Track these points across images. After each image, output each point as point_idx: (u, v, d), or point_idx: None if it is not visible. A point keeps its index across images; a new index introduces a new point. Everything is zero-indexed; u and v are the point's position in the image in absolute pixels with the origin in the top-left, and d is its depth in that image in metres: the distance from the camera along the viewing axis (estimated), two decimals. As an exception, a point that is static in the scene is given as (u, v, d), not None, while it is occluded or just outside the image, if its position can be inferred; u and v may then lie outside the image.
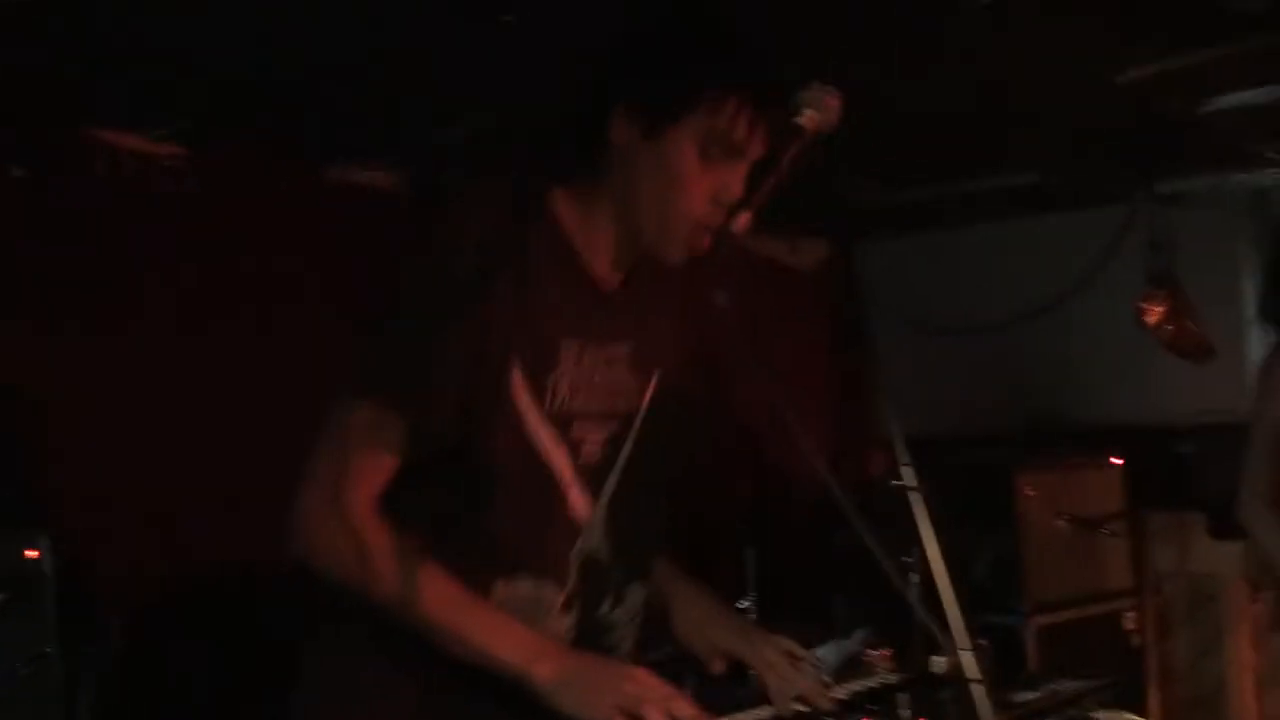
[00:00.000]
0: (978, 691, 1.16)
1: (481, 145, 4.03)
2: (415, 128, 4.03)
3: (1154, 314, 5.42)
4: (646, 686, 1.63)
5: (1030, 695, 1.61)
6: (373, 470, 1.70)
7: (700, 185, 1.68)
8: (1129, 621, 5.48)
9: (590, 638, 1.83)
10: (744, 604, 3.92)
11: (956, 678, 1.18)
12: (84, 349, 3.56)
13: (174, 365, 3.85)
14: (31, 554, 2.96)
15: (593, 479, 1.82)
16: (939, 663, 1.46)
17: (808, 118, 1.59)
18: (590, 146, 1.75)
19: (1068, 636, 5.21)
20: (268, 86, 3.40)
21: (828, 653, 3.41)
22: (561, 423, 1.76)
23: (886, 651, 3.51)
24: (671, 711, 1.58)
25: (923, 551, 1.27)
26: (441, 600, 1.68)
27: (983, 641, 4.04)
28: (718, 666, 1.86)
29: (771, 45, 1.76)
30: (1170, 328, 5.40)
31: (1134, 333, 5.44)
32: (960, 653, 1.18)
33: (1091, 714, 1.63)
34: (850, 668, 3.40)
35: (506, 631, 1.70)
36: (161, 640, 3.06)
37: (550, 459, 1.76)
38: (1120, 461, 5.50)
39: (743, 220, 1.53)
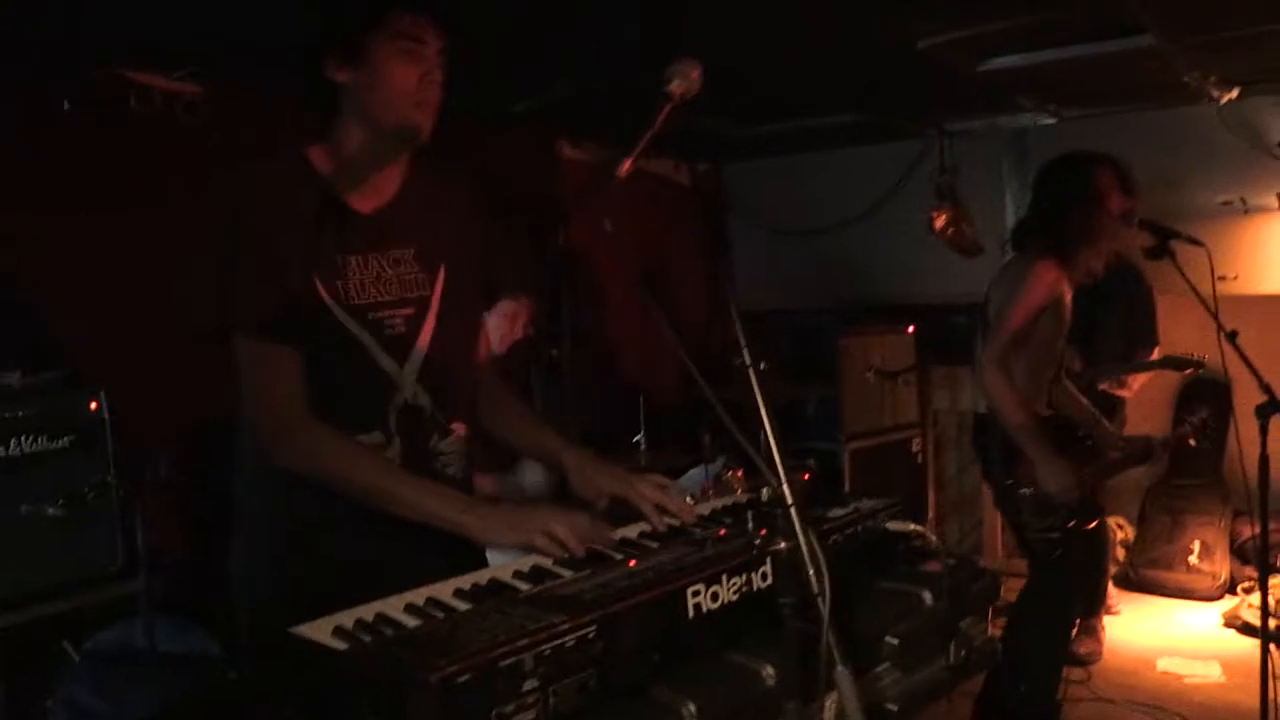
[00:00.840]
0: (793, 512, 1.20)
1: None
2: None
3: (940, 221, 5.53)
4: (556, 512, 1.67)
5: (839, 510, 1.65)
6: (295, 383, 1.75)
7: (409, 73, 1.75)
8: (915, 445, 5.69)
9: (420, 463, 1.85)
10: (637, 438, 3.97)
11: (779, 501, 1.22)
12: (126, 248, 3.43)
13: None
14: (93, 405, 2.91)
15: (398, 348, 1.83)
16: (765, 490, 1.49)
17: (675, 85, 1.58)
18: (324, 97, 1.79)
19: (873, 456, 5.42)
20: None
21: (699, 472, 3.47)
22: (360, 311, 1.79)
23: (739, 471, 3.61)
24: (574, 526, 1.62)
25: (756, 410, 1.30)
26: (382, 474, 1.74)
27: (810, 461, 4.15)
28: (600, 504, 1.87)
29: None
30: (951, 231, 5.52)
31: (924, 235, 5.54)
32: (782, 484, 1.22)
33: (885, 525, 1.68)
34: (715, 483, 3.50)
35: (437, 493, 1.75)
36: (198, 469, 3.01)
37: (358, 337, 1.78)
38: (913, 329, 5.66)
39: (625, 166, 1.50)
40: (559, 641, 1.20)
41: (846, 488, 5.21)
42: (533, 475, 3.56)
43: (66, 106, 3.27)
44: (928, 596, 1.63)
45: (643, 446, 3.91)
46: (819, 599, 1.21)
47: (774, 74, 4.09)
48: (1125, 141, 5.02)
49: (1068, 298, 3.31)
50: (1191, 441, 3.91)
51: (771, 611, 1.38)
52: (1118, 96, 4.73)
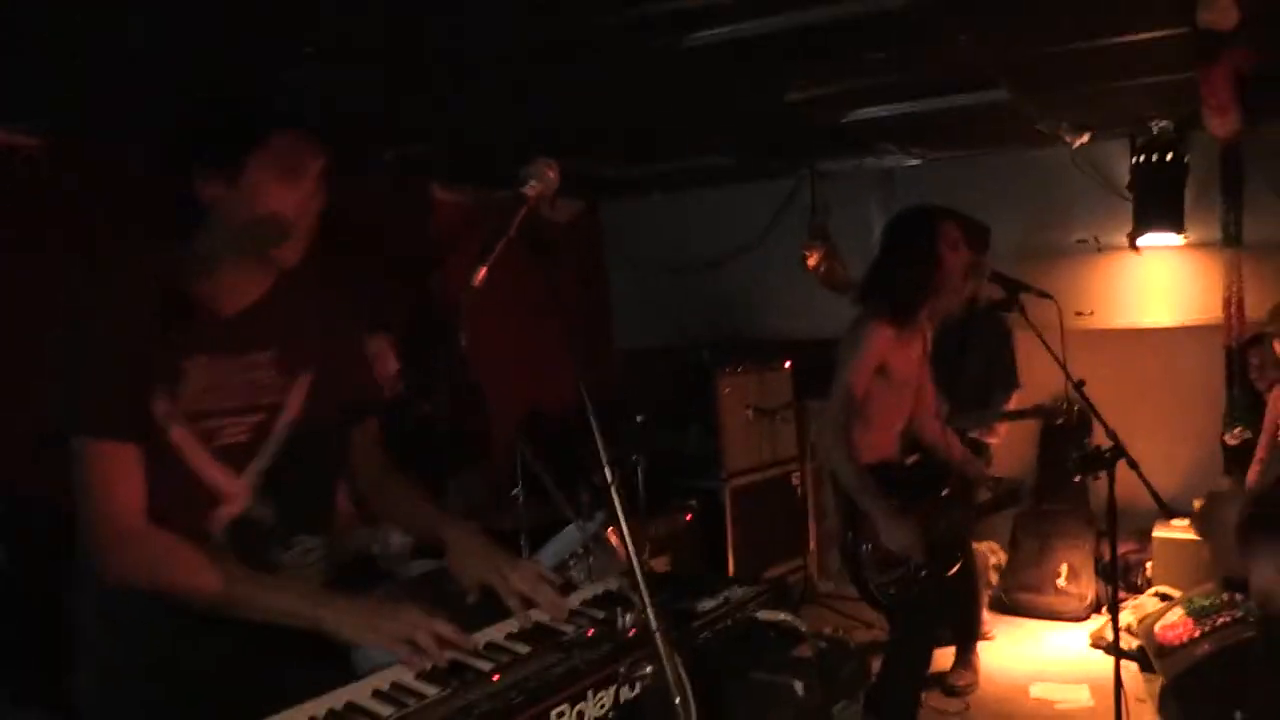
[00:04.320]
0: (658, 639, 1.18)
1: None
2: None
3: (813, 258, 5.65)
4: (412, 616, 1.57)
5: (709, 603, 1.64)
6: (132, 488, 1.63)
7: (285, 200, 1.65)
8: (795, 479, 5.77)
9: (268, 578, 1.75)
10: (515, 490, 3.91)
11: (646, 631, 1.19)
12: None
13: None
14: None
15: (235, 457, 1.73)
16: (628, 618, 1.46)
17: (531, 187, 1.51)
18: (187, 212, 1.68)
19: (754, 493, 5.46)
20: None
21: (575, 530, 3.42)
22: (193, 417, 1.68)
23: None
24: (436, 633, 1.53)
25: (620, 532, 1.27)
26: (232, 580, 1.62)
27: (692, 502, 4.16)
28: (473, 597, 1.78)
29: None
30: (824, 268, 5.63)
31: (798, 271, 5.65)
32: (647, 609, 1.19)
33: (755, 614, 1.67)
34: (594, 541, 3.45)
35: (290, 590, 1.67)
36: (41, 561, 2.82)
37: (181, 446, 1.67)
38: (789, 365, 5.75)
39: (480, 275, 1.44)
40: (415, 787, 1.15)
41: (728, 525, 5.25)
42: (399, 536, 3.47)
43: None
44: (799, 686, 1.64)
45: (520, 500, 3.85)
46: (684, 728, 1.19)
47: (647, 122, 4.12)
48: (986, 182, 5.27)
49: (912, 355, 3.41)
50: (1077, 478, 4.02)
51: (640, 721, 1.37)
52: (978, 141, 4.93)
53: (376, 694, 1.47)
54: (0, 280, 3.39)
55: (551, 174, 1.53)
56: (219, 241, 1.69)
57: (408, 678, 1.52)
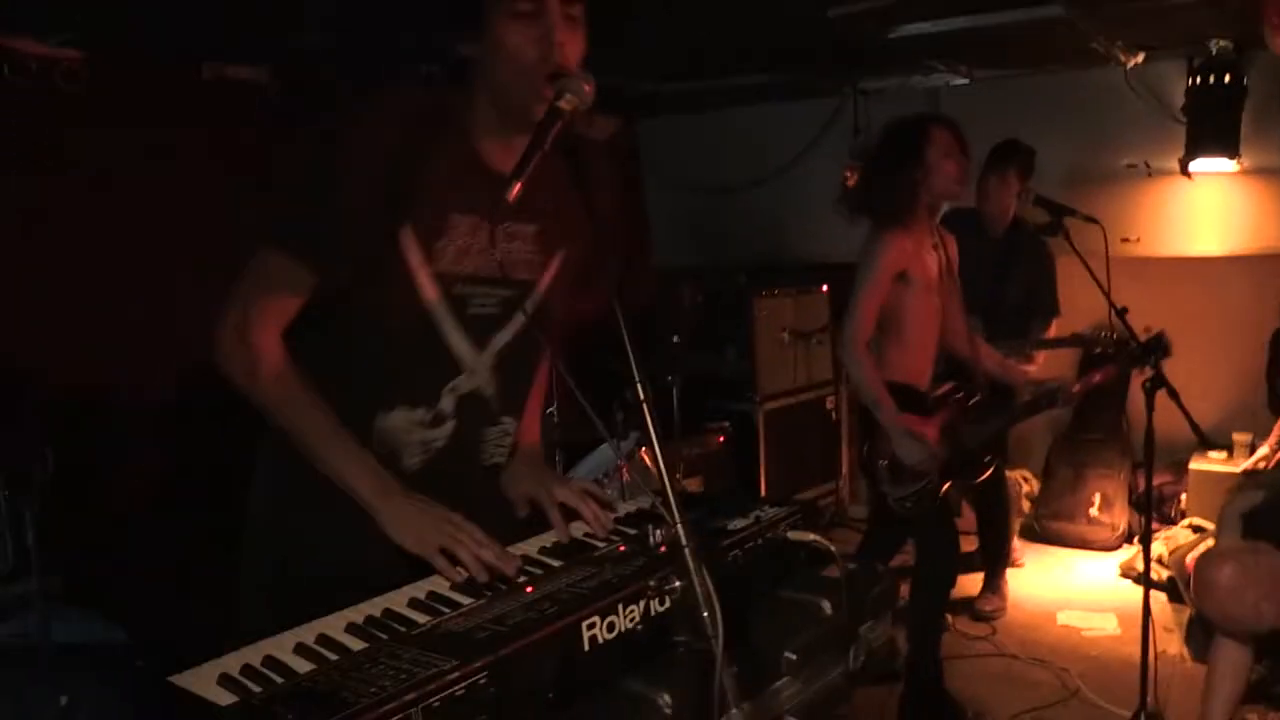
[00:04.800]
0: (688, 555, 1.20)
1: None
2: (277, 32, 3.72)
3: (853, 180, 5.53)
4: (463, 529, 1.58)
5: (740, 522, 1.65)
6: (278, 308, 1.63)
7: (523, 39, 1.54)
8: (829, 403, 5.77)
9: (465, 450, 1.77)
10: (550, 409, 3.94)
11: (675, 547, 1.21)
12: (4, 219, 3.26)
13: (81, 228, 3.57)
14: (-28, 402, 2.78)
15: (481, 331, 1.71)
16: (659, 534, 1.47)
17: (566, 100, 1.45)
18: (458, 65, 1.62)
19: (787, 416, 5.48)
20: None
21: (609, 448, 3.47)
22: (446, 282, 1.64)
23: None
24: (479, 555, 1.54)
25: (652, 450, 1.28)
26: (314, 426, 1.62)
27: (725, 424, 4.18)
28: (522, 509, 1.83)
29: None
30: (865, 190, 5.53)
31: (838, 193, 5.55)
32: (677, 525, 1.21)
33: (786, 535, 1.69)
34: (629, 460, 3.50)
35: (361, 467, 1.63)
36: (87, 463, 2.91)
37: (432, 311, 1.64)
38: (826, 288, 5.70)
39: (514, 191, 1.42)
40: (449, 691, 1.18)
41: (761, 448, 5.28)
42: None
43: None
44: (826, 605, 1.65)
45: (556, 419, 3.89)
46: (713, 641, 1.21)
47: (686, 38, 4.04)
48: (1034, 104, 5.14)
49: (929, 263, 3.36)
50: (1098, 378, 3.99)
51: (670, 634, 1.39)
52: (1028, 60, 4.79)
53: (413, 602, 1.50)
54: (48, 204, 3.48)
55: (587, 88, 1.47)
56: (485, 104, 1.63)
57: (444, 587, 1.55)
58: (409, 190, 1.59)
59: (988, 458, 3.58)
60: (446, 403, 1.73)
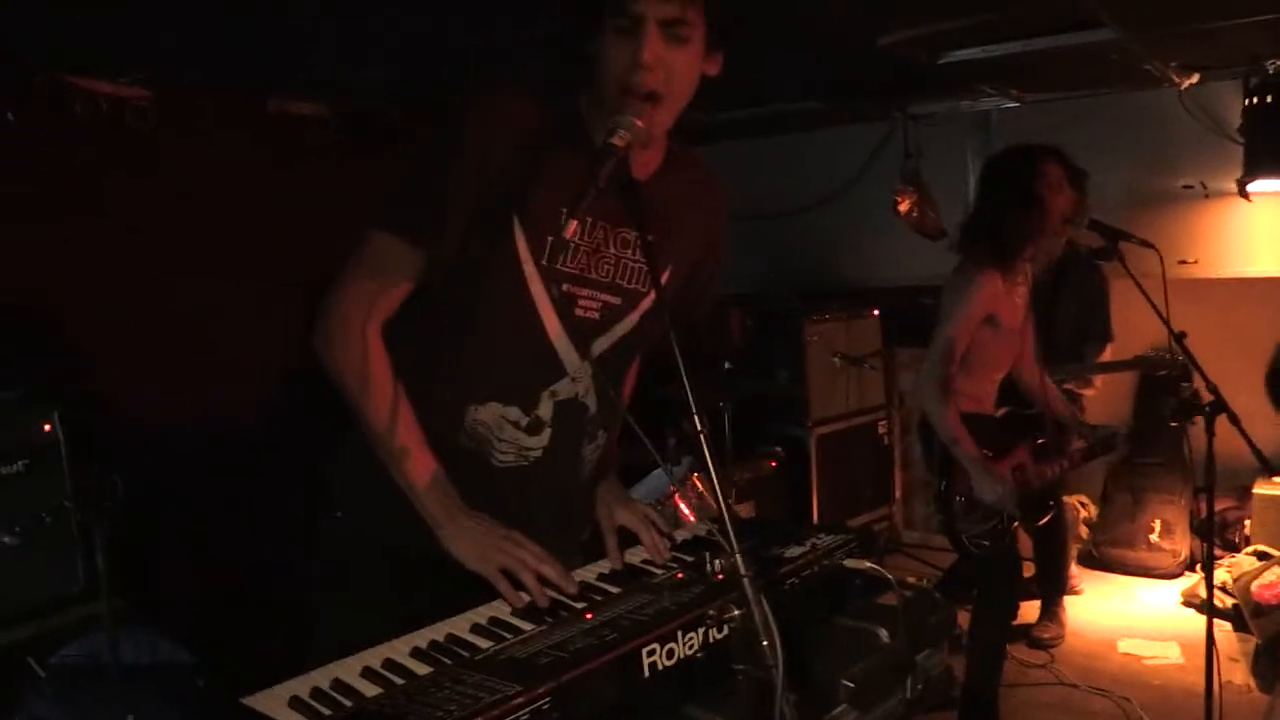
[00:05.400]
0: (747, 585, 1.21)
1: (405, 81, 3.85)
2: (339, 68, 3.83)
3: (905, 203, 5.55)
4: (524, 547, 1.59)
5: (796, 550, 1.65)
6: (387, 295, 1.63)
7: (622, 54, 1.54)
8: (881, 428, 5.74)
9: (562, 464, 1.74)
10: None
11: (733, 575, 1.22)
12: (78, 255, 3.39)
13: (152, 263, 3.69)
14: (46, 426, 2.87)
15: (583, 334, 1.68)
16: (716, 562, 1.49)
17: (620, 137, 1.46)
18: (580, 65, 1.62)
19: (839, 441, 5.45)
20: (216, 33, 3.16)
21: (662, 475, 3.48)
22: (555, 279, 1.63)
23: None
24: (540, 573, 1.57)
25: (708, 479, 1.30)
26: (400, 435, 1.62)
27: (777, 449, 4.17)
28: (585, 533, 1.84)
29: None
30: (916, 214, 5.53)
31: (890, 218, 5.55)
32: (735, 555, 1.22)
33: (842, 563, 1.69)
34: (681, 486, 3.51)
35: (434, 485, 1.63)
36: (159, 490, 2.99)
37: (537, 305, 1.63)
38: (878, 313, 5.69)
39: (571, 229, 1.44)
40: (513, 716, 1.20)
41: (814, 473, 5.26)
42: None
43: (10, 117, 3.19)
44: (884, 634, 1.65)
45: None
46: (773, 670, 1.22)
47: (734, 70, 4.07)
48: (1088, 126, 5.09)
49: (1016, 303, 3.33)
50: (1174, 423, 3.95)
51: (728, 661, 1.40)
52: (1080, 82, 4.75)
53: (476, 628, 1.53)
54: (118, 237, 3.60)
55: (640, 123, 1.50)
56: (594, 99, 1.62)
57: (505, 613, 1.58)
58: (521, 181, 1.58)
59: (1050, 501, 3.54)
60: (545, 408, 1.71)
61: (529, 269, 1.62)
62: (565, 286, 1.65)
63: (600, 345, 1.73)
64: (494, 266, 1.61)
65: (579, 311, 1.68)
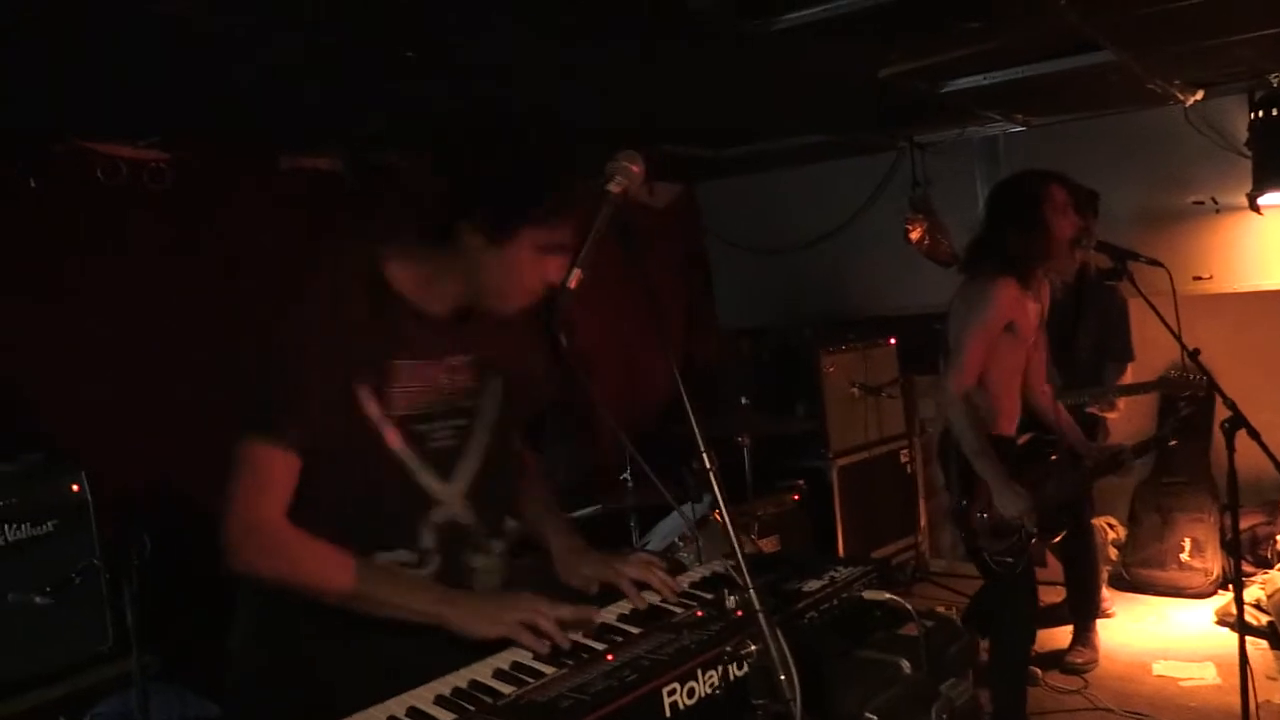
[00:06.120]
0: (762, 620, 1.22)
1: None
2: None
3: (916, 232, 5.56)
4: (534, 603, 1.64)
5: (815, 583, 1.66)
6: (276, 491, 1.67)
7: (536, 273, 1.68)
8: (904, 456, 5.72)
9: (455, 582, 1.78)
10: (624, 475, 3.98)
11: (749, 612, 1.23)
12: (95, 320, 3.44)
13: (172, 327, 3.73)
14: (74, 487, 2.91)
15: (443, 461, 1.77)
16: (734, 599, 1.50)
17: (616, 184, 1.49)
18: (439, 240, 1.71)
19: (861, 471, 5.44)
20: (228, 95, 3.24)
21: (680, 514, 3.47)
22: (406, 421, 1.72)
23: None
24: (558, 617, 1.60)
25: (721, 510, 1.31)
26: (352, 572, 1.65)
27: (800, 483, 4.16)
28: (592, 588, 1.86)
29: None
30: (927, 242, 5.54)
31: (901, 246, 5.57)
32: (749, 590, 1.23)
33: (861, 594, 1.69)
34: (700, 524, 3.51)
35: (409, 585, 1.70)
36: (182, 546, 3.01)
37: (399, 450, 1.71)
38: (894, 341, 5.69)
39: (575, 278, 1.48)
40: (537, 761, 1.22)
41: (837, 505, 5.24)
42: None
43: (32, 184, 3.27)
44: (906, 665, 1.66)
45: (630, 484, 3.93)
46: (791, 705, 1.23)
47: (739, 107, 4.12)
48: (1096, 146, 5.10)
49: (1031, 313, 3.33)
50: (1174, 442, 3.97)
51: (748, 697, 1.41)
52: (1085, 104, 4.77)
53: (498, 673, 1.54)
54: (142, 304, 3.65)
55: (635, 169, 1.52)
56: (453, 280, 1.73)
57: (527, 657, 1.59)
58: (356, 352, 1.67)
59: (1065, 518, 3.52)
60: (427, 539, 1.77)
61: (383, 425, 1.70)
62: (416, 427, 1.74)
63: (467, 467, 1.81)
64: (353, 432, 1.68)
65: (434, 444, 1.76)
